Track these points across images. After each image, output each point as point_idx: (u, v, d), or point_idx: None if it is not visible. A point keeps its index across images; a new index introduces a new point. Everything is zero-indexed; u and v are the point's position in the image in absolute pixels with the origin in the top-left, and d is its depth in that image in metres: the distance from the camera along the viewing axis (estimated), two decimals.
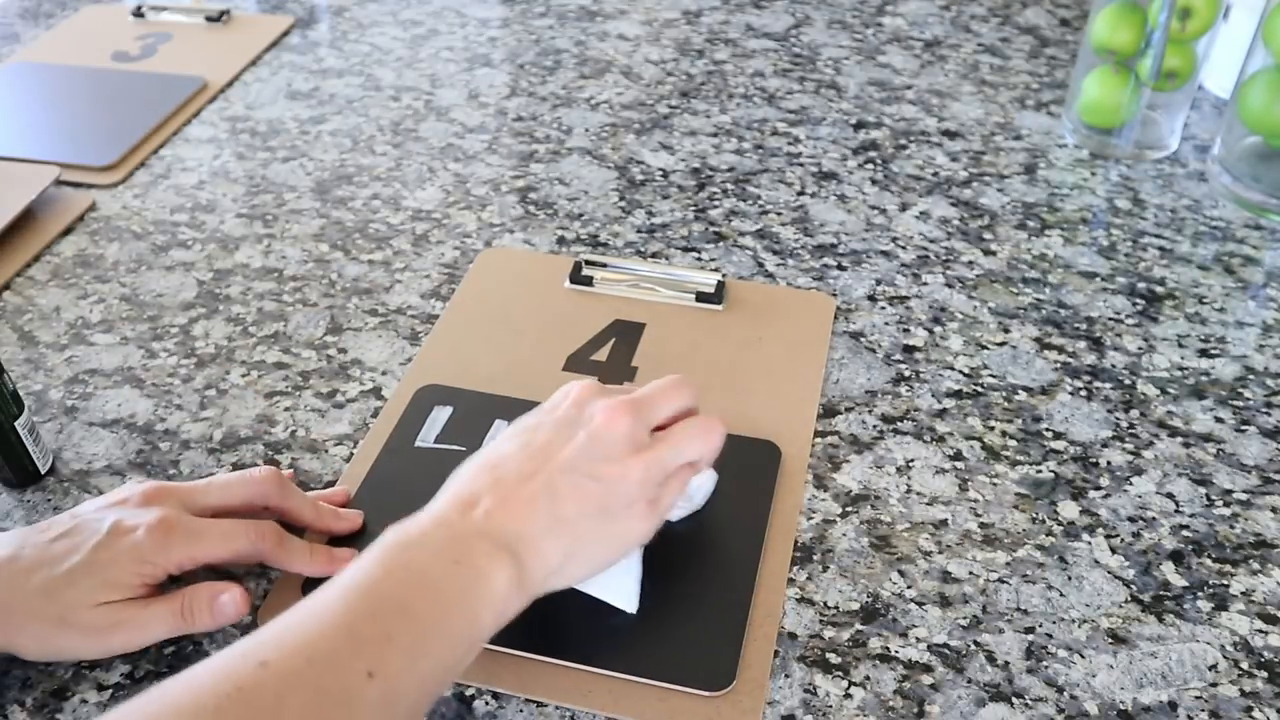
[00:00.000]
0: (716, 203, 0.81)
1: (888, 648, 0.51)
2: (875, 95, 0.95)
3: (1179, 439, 0.62)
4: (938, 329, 0.69)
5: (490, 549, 0.44)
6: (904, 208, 0.81)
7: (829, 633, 0.51)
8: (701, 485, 0.55)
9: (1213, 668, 0.50)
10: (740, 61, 1.00)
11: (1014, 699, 0.49)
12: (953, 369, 0.66)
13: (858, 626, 0.52)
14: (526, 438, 0.49)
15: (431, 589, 0.42)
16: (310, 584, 0.53)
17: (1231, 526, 0.57)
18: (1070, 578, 0.54)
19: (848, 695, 0.49)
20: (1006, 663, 0.50)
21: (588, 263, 0.73)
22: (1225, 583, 0.54)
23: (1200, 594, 0.53)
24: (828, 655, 0.51)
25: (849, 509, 0.58)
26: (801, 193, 0.82)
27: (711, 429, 0.51)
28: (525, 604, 0.46)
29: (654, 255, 0.76)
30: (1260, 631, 0.52)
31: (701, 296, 0.71)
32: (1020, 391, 0.65)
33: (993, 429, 0.62)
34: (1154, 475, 0.60)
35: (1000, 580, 0.54)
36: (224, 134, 0.90)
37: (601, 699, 0.48)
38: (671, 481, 0.50)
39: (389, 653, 0.40)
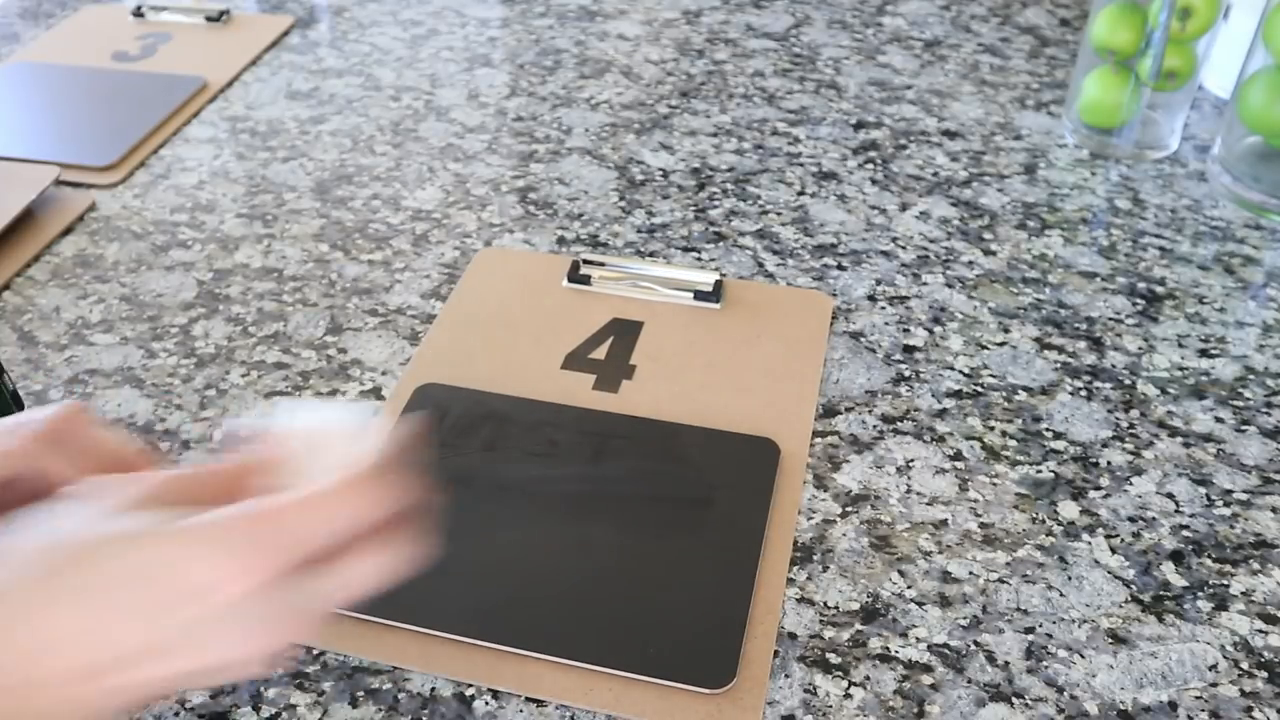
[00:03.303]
0: (716, 203, 0.81)
1: (888, 648, 0.51)
2: (875, 95, 0.95)
3: (1179, 439, 0.62)
4: (938, 329, 0.69)
5: None
6: (904, 208, 0.81)
7: (829, 633, 0.51)
8: None
9: (1213, 668, 0.50)
10: (740, 61, 1.00)
11: (1014, 699, 0.49)
12: (953, 369, 0.66)
13: (858, 626, 0.52)
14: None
15: None
16: None
17: (1232, 526, 0.57)
18: (1070, 578, 0.54)
19: (848, 695, 0.49)
20: (1006, 663, 0.50)
21: (585, 261, 0.73)
22: (1225, 583, 0.54)
23: (1200, 594, 0.53)
24: (828, 655, 0.50)
25: (849, 509, 0.58)
26: (801, 193, 0.82)
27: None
28: None
29: (654, 255, 0.76)
30: (1260, 632, 0.52)
31: (699, 295, 0.71)
32: (1020, 391, 0.65)
33: (993, 429, 0.62)
34: (1154, 475, 0.60)
35: (1000, 580, 0.54)
36: (224, 134, 0.90)
37: (602, 697, 0.48)
38: None
39: None
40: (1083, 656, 0.50)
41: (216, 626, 0.31)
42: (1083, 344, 0.68)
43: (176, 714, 0.48)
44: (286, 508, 0.33)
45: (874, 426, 0.63)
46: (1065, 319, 0.70)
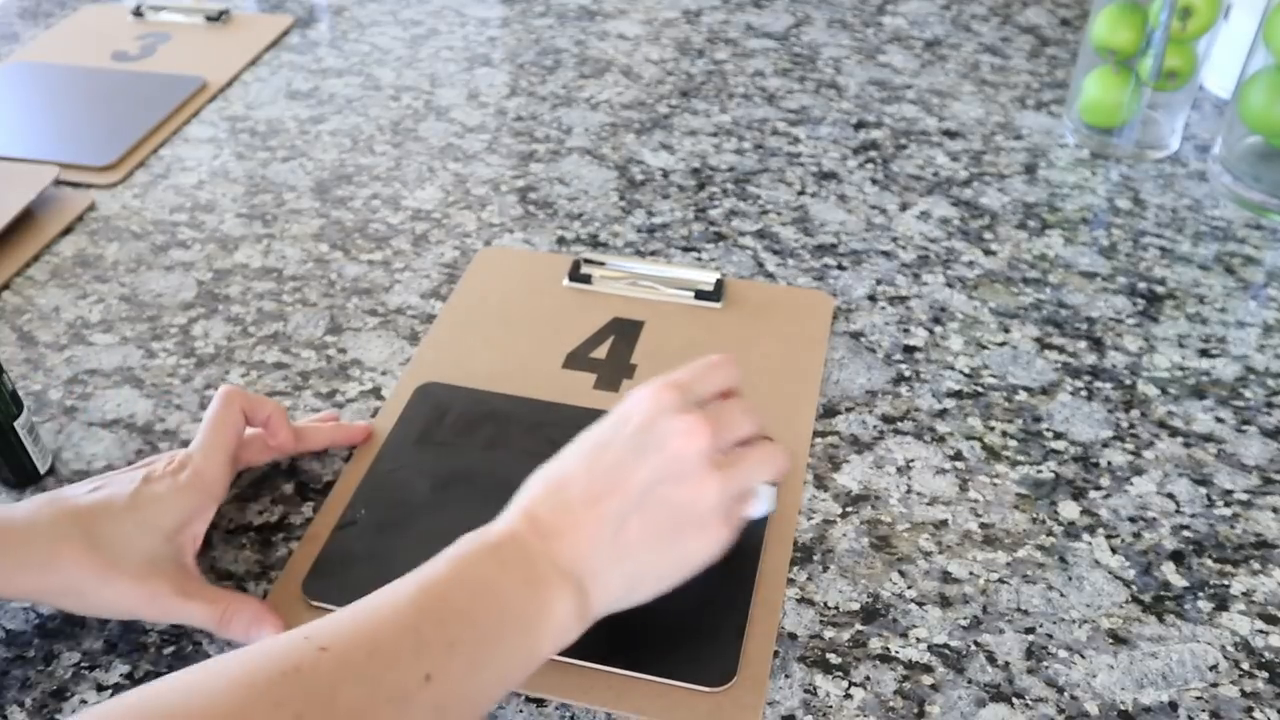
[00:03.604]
0: (716, 203, 0.81)
1: (888, 648, 0.51)
2: (875, 95, 0.94)
3: (1179, 439, 0.62)
4: (938, 329, 0.69)
5: (558, 578, 0.44)
6: (904, 208, 0.81)
7: (829, 633, 0.51)
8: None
9: (1213, 668, 0.50)
10: (740, 61, 1.00)
11: (1014, 699, 0.49)
12: (953, 369, 0.66)
13: (858, 627, 0.52)
14: (594, 457, 0.47)
15: (499, 605, 0.42)
16: (310, 582, 0.53)
17: (1232, 527, 0.57)
18: (1070, 578, 0.54)
19: (848, 695, 0.49)
20: (1007, 663, 0.50)
21: (586, 261, 0.73)
22: (1226, 583, 0.54)
23: (1201, 594, 0.53)
24: (828, 655, 0.50)
25: (849, 509, 0.58)
26: (801, 193, 0.82)
27: (783, 454, 0.49)
28: (584, 630, 0.45)
29: (654, 255, 0.76)
30: (1261, 632, 0.52)
31: (701, 294, 0.71)
32: (1020, 391, 0.65)
33: (993, 429, 0.62)
34: (1154, 475, 0.59)
35: (1000, 580, 0.54)
36: (224, 134, 0.90)
37: (602, 694, 0.48)
38: (746, 496, 0.48)
39: (450, 660, 0.40)
40: (1083, 657, 0.50)
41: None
42: (1083, 344, 0.68)
43: None
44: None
45: (874, 426, 0.62)
46: (1065, 319, 0.70)
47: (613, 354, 0.67)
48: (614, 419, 0.48)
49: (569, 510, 0.45)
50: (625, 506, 0.45)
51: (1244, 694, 0.49)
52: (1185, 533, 0.56)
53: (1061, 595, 0.53)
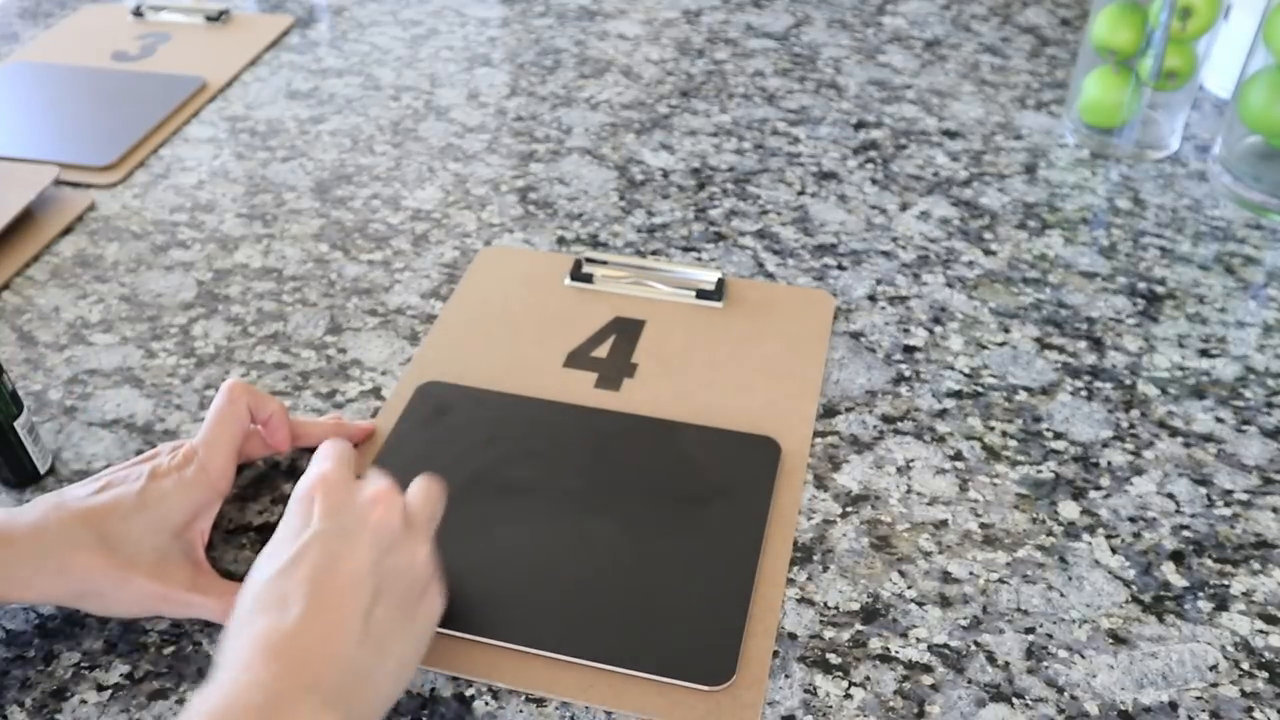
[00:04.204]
0: (716, 203, 0.81)
1: (888, 648, 0.51)
2: (875, 95, 0.94)
3: (1179, 439, 0.62)
4: (938, 329, 0.69)
5: (316, 707, 0.39)
6: (904, 208, 0.81)
7: (829, 633, 0.51)
8: None
9: (1213, 668, 0.50)
10: (740, 61, 1.00)
11: (1014, 699, 0.49)
12: (953, 369, 0.66)
13: (858, 627, 0.52)
14: (302, 561, 0.42)
15: None
16: None
17: (1232, 527, 0.57)
18: (1070, 578, 0.54)
19: (848, 695, 0.49)
20: (1007, 663, 0.50)
21: (588, 260, 0.73)
22: (1226, 583, 0.54)
23: (1201, 594, 0.53)
24: (828, 655, 0.50)
25: (849, 509, 0.58)
26: (801, 193, 0.82)
27: (436, 485, 0.49)
28: None
29: (654, 255, 0.76)
30: (1261, 632, 0.52)
31: (702, 294, 0.71)
32: (1020, 391, 0.65)
33: (993, 429, 0.62)
34: (1154, 475, 0.60)
35: (1000, 580, 0.54)
36: (223, 134, 0.90)
37: (602, 693, 0.48)
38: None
39: None
40: (1083, 657, 0.50)
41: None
42: (1083, 344, 0.68)
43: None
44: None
45: (874, 426, 0.62)
46: (1065, 319, 0.70)
47: (614, 353, 0.67)
48: (294, 523, 0.45)
49: (306, 627, 0.40)
50: (363, 597, 0.42)
51: (1244, 694, 0.49)
52: (1185, 533, 0.56)
53: (1061, 595, 0.53)
